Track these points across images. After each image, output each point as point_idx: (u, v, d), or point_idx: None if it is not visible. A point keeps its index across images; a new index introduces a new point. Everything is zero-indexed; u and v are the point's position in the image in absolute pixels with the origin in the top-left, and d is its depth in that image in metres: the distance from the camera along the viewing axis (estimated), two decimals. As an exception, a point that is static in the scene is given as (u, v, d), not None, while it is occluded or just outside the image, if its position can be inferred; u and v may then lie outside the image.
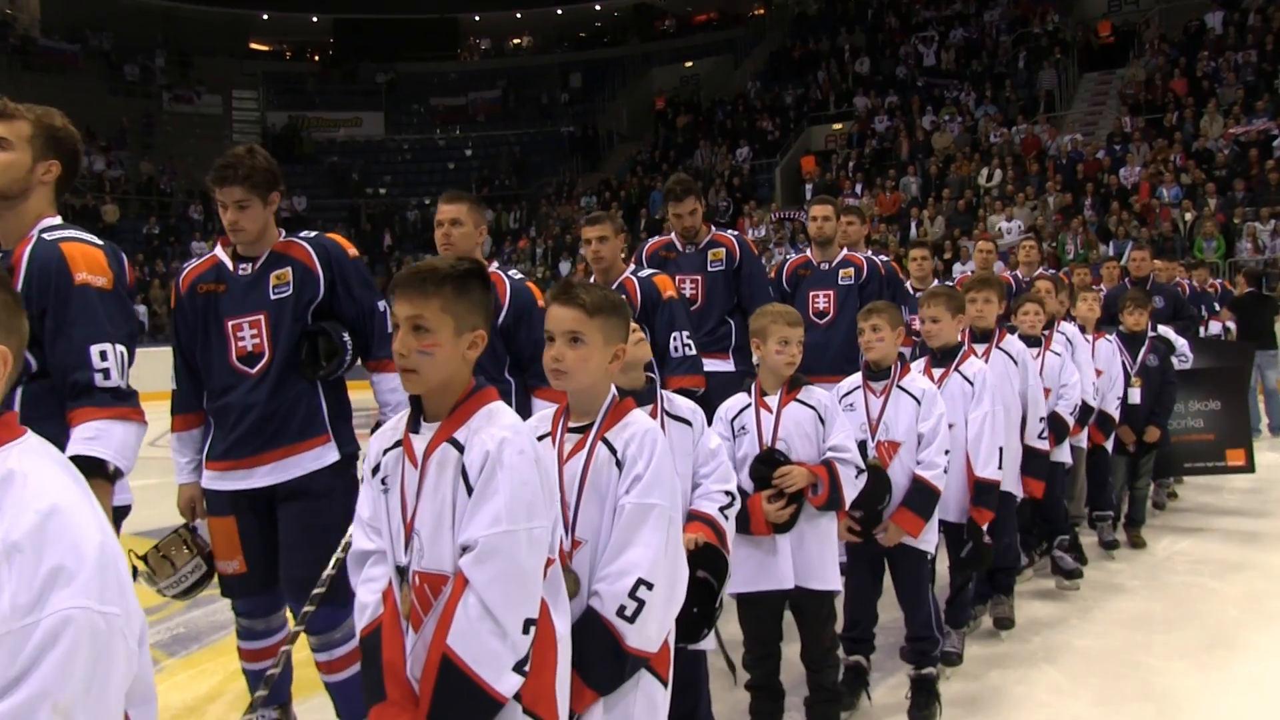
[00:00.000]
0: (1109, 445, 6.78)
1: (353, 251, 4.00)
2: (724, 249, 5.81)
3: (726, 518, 3.12)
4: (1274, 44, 22.59)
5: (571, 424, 2.78)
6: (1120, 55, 25.71)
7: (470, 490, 2.27)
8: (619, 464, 2.65)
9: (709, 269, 5.80)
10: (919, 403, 4.25)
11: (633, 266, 5.22)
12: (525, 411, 4.07)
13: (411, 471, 2.39)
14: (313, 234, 4.02)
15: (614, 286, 4.95)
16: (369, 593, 2.46)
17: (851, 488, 3.82)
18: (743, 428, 3.91)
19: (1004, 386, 5.00)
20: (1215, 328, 11.24)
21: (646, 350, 3.33)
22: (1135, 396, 6.94)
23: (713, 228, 5.93)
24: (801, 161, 27.41)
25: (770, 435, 3.85)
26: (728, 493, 3.15)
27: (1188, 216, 18.99)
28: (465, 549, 2.25)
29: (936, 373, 4.72)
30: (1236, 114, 21.16)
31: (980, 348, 5.19)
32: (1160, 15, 25.83)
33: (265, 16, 38.24)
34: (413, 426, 2.43)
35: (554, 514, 2.39)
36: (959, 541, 4.67)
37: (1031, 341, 5.94)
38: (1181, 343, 8.11)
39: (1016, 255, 9.46)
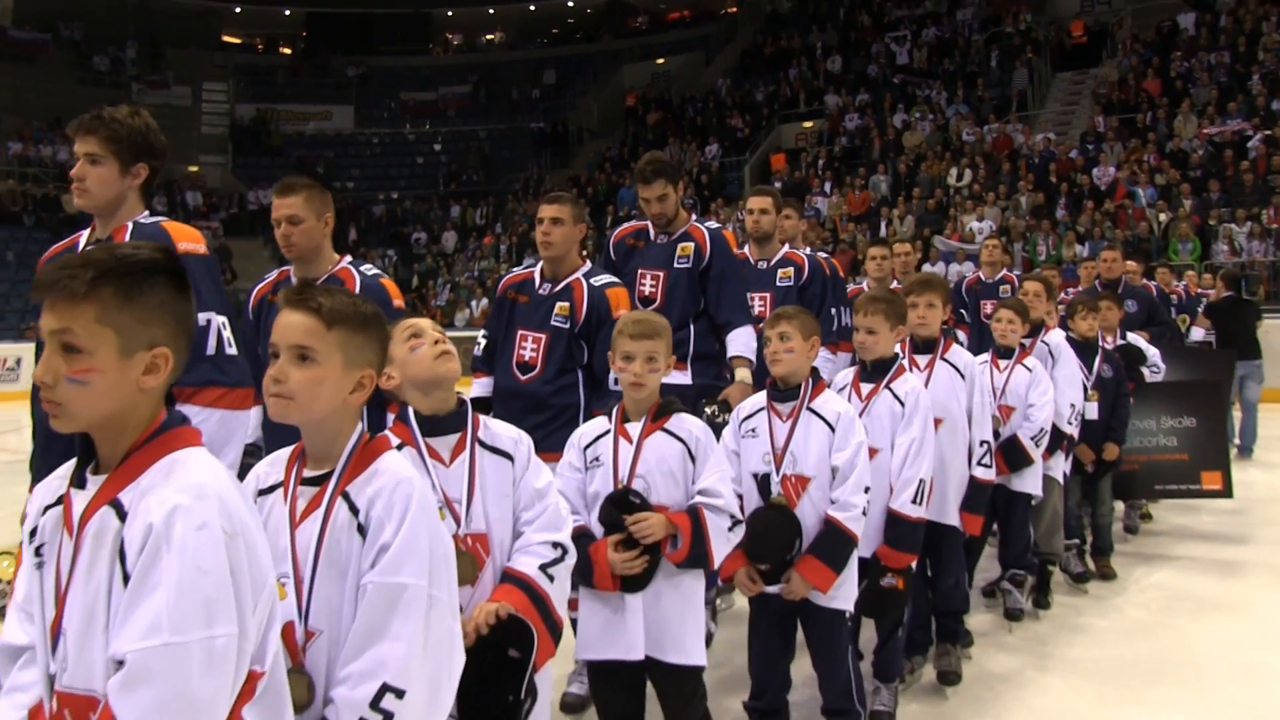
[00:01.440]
0: (1055, 471, 6.08)
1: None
2: (693, 244, 5.16)
3: (552, 577, 2.64)
4: (1246, 45, 22.37)
5: (306, 472, 2.16)
6: (1093, 55, 25.52)
7: (126, 578, 1.64)
8: (361, 528, 2.05)
9: (675, 265, 5.16)
10: (833, 429, 3.60)
11: (587, 266, 4.63)
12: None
13: (68, 543, 1.74)
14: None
15: (561, 285, 4.50)
16: (12, 708, 1.78)
17: (722, 542, 3.23)
18: (596, 459, 3.35)
19: (949, 404, 4.54)
20: (1198, 334, 10.83)
21: (453, 367, 2.74)
22: (1092, 411, 6.35)
23: (693, 217, 5.28)
24: (771, 159, 27.07)
25: (627, 471, 3.28)
26: (555, 544, 2.68)
27: (1162, 217, 18.71)
28: (118, 664, 1.61)
29: (866, 388, 4.15)
30: (1210, 114, 20.91)
31: (924, 359, 4.66)
32: (1132, 15, 25.60)
33: (238, 9, 38.16)
34: (77, 479, 1.79)
35: (265, 609, 1.74)
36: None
37: (1005, 353, 5.48)
38: (1153, 352, 7.53)
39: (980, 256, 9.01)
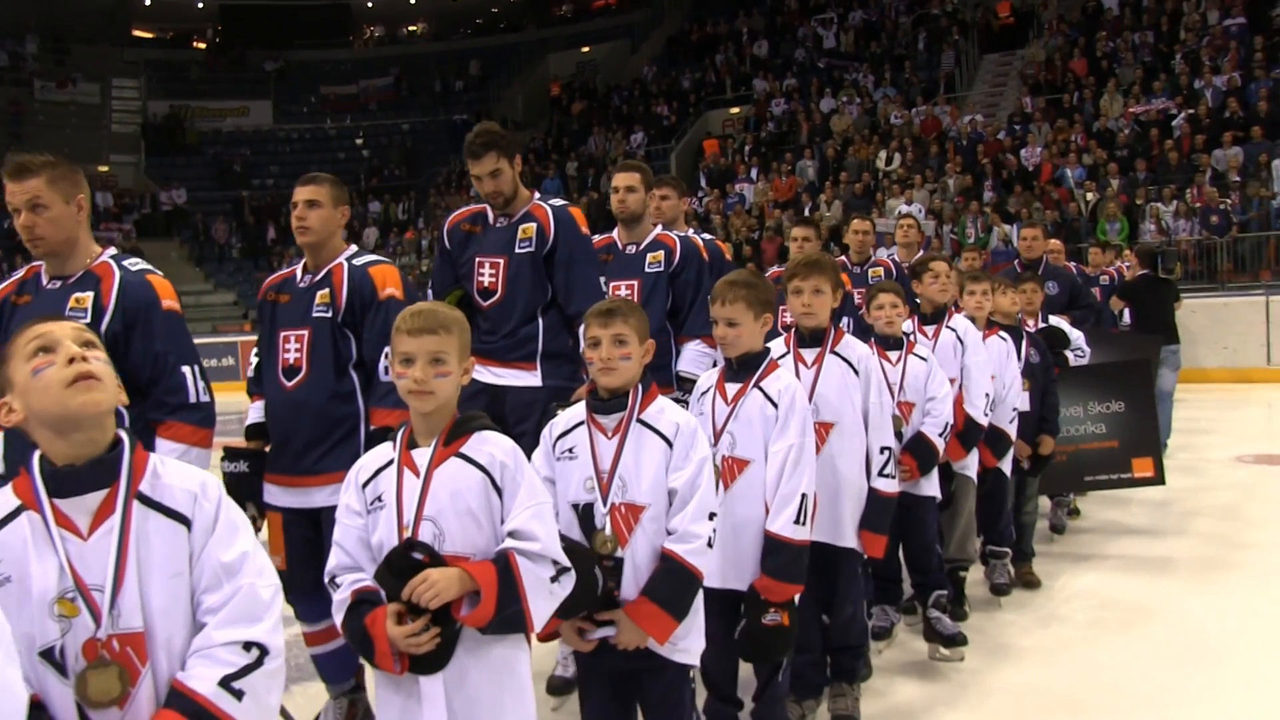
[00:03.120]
0: (1006, 466, 5.58)
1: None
2: (535, 224, 4.56)
3: (239, 693, 1.95)
4: (1169, 25, 22.22)
5: None
6: (1020, 36, 25.32)
7: None
8: None
9: (516, 250, 4.54)
10: (670, 445, 2.96)
11: (351, 249, 3.98)
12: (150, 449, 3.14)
13: None
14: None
15: (321, 274, 3.89)
16: None
17: (543, 596, 2.53)
18: (378, 498, 2.62)
19: (842, 405, 3.89)
20: (1129, 318, 10.27)
21: (94, 399, 2.02)
22: (1024, 402, 5.80)
23: (535, 196, 4.69)
24: (704, 145, 26.49)
25: (413, 513, 2.57)
26: (247, 645, 1.99)
27: (1089, 197, 18.42)
28: None
29: (732, 390, 3.51)
30: (1136, 94, 20.73)
31: (811, 354, 3.97)
32: (1059, -4, 25.39)
33: (148, 1, 36.83)
34: None
35: None
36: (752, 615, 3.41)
37: (890, 343, 4.84)
38: (1076, 335, 6.98)
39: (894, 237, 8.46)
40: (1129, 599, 5.63)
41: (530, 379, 4.48)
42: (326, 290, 3.85)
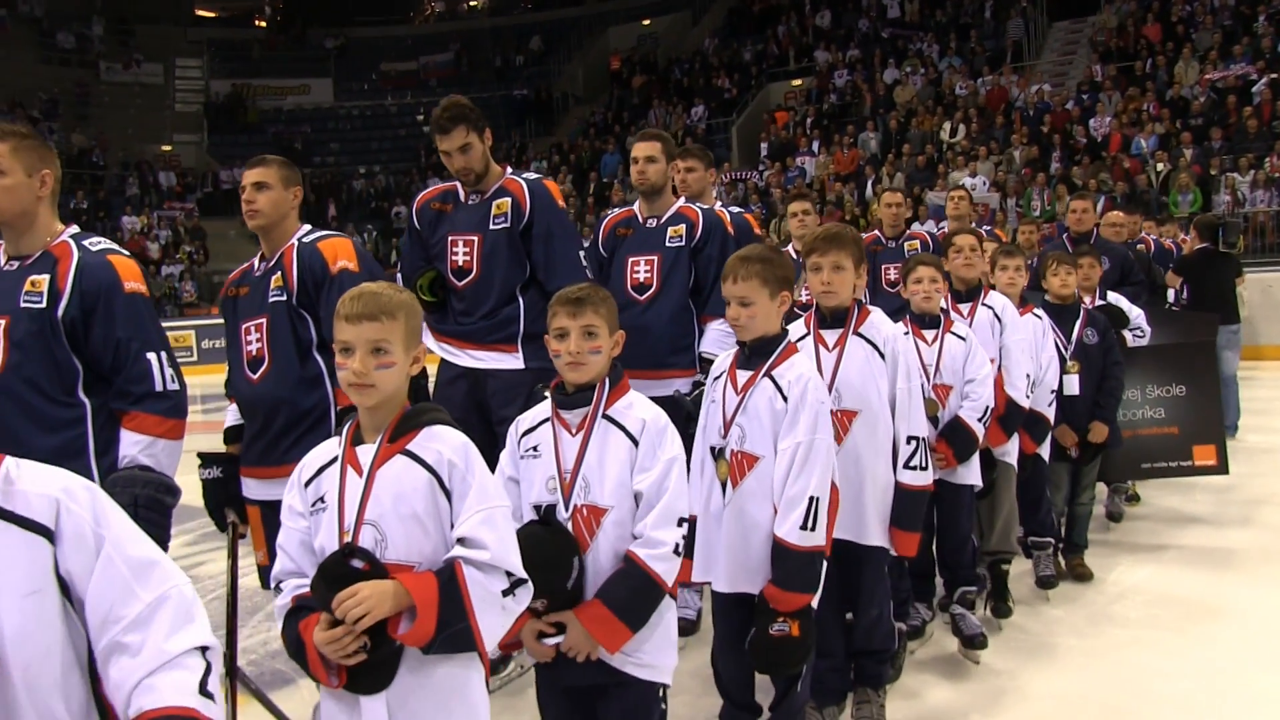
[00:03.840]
0: (1045, 452, 5.23)
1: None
2: (510, 199, 4.31)
3: (212, 695, 1.76)
4: (1253, -16, 21.25)
5: None
6: (1091, 3, 24.37)
7: None
8: None
9: (491, 226, 4.29)
10: (635, 443, 2.70)
11: (304, 229, 3.74)
12: (114, 446, 3.06)
13: None
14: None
15: (275, 258, 3.66)
16: None
17: (493, 611, 2.25)
18: (320, 499, 2.38)
19: (867, 391, 3.55)
20: (1171, 295, 9.52)
21: None
22: (1073, 386, 5.43)
23: (508, 170, 4.45)
24: (776, 116, 25.87)
25: (354, 518, 2.32)
26: (201, 648, 1.80)
27: (1159, 167, 17.73)
28: None
29: (742, 378, 3.23)
30: (1213, 59, 19.92)
31: (832, 336, 3.63)
32: (1133, -43, 24.49)
33: (211, -18, 37.00)
34: None
35: None
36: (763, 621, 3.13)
37: (927, 321, 4.50)
38: (1137, 312, 6.47)
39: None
40: (1187, 596, 5.22)
41: (512, 361, 4.26)
42: (279, 273, 3.63)
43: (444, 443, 2.34)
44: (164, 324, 3.46)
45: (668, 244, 4.75)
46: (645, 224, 4.87)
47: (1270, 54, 19.33)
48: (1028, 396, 4.86)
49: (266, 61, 36.26)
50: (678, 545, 2.65)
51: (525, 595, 2.33)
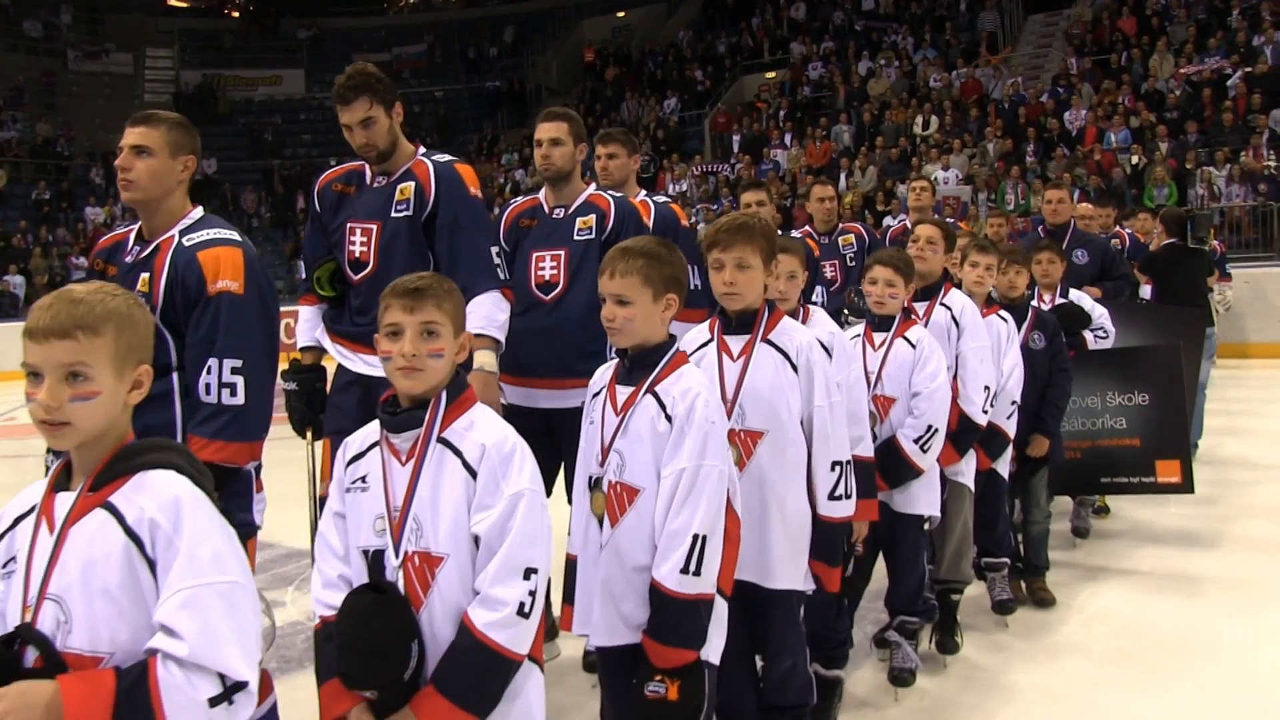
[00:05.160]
0: (1002, 467, 4.76)
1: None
2: (414, 183, 3.82)
3: None
4: (1227, -22, 21.07)
5: None
6: (1067, -6, 24.21)
7: None
8: None
9: (393, 213, 3.82)
10: (473, 475, 2.28)
11: (194, 216, 3.28)
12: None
13: None
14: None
15: (149, 249, 3.22)
16: None
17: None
18: (12, 559, 1.92)
19: (774, 405, 3.03)
20: (1147, 291, 8.93)
21: None
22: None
23: (419, 151, 3.95)
24: (757, 107, 25.41)
25: (37, 589, 1.85)
26: None
27: (1134, 160, 17.51)
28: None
29: (623, 394, 2.76)
30: (1188, 53, 19.75)
31: (738, 343, 3.11)
32: (1108, -49, 24.29)
33: (184, -30, 36.46)
34: None
35: None
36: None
37: (881, 323, 4.08)
38: (1099, 312, 5.96)
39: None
40: (1159, 624, 4.82)
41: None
42: (148, 274, 3.15)
43: (154, 494, 1.84)
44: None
45: (576, 236, 4.26)
46: (551, 214, 4.36)
47: (1245, 48, 19.15)
48: (985, 411, 4.40)
49: (238, 52, 35.77)
50: (524, 604, 2.21)
51: (246, 704, 1.82)
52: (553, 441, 4.10)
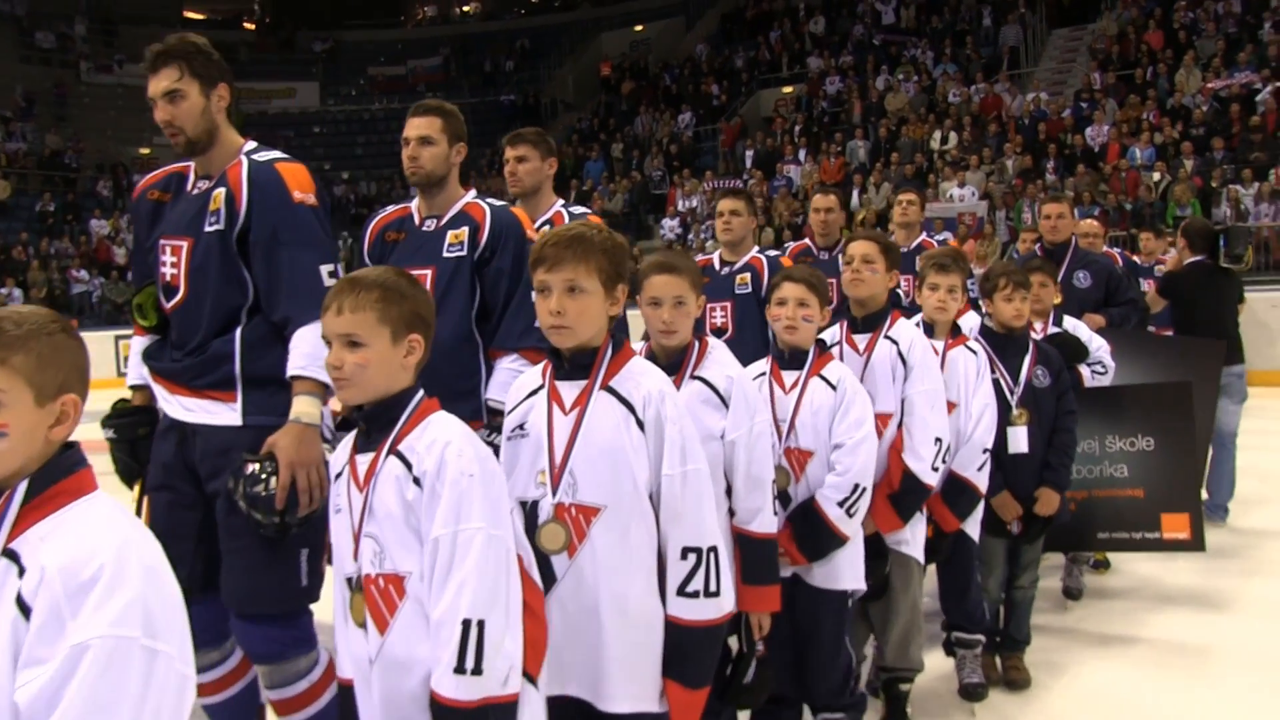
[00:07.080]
0: (972, 529, 4.02)
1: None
2: (224, 190, 3.14)
3: None
4: (1258, -10, 20.34)
5: None
6: (1091, 9, 23.57)
7: None
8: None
9: (205, 227, 3.15)
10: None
11: None
12: None
13: None
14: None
15: None
16: None
17: None
18: None
19: (614, 474, 2.42)
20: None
21: None
22: (1019, 441, 4.23)
23: (246, 147, 3.22)
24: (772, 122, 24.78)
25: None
26: None
27: (1155, 176, 16.78)
28: None
29: (363, 464, 2.25)
30: (1216, 67, 19.01)
31: (572, 391, 2.50)
32: (1135, -36, 23.59)
33: (202, -18, 36.35)
34: None
35: None
36: None
37: (790, 360, 3.35)
38: (1098, 344, 5.21)
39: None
40: (1160, 708, 4.08)
41: (227, 414, 3.05)
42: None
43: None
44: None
45: (446, 253, 3.56)
46: (421, 226, 3.67)
47: (1276, 62, 18.44)
48: (935, 469, 3.61)
49: (254, 64, 35.56)
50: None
51: None
52: None
